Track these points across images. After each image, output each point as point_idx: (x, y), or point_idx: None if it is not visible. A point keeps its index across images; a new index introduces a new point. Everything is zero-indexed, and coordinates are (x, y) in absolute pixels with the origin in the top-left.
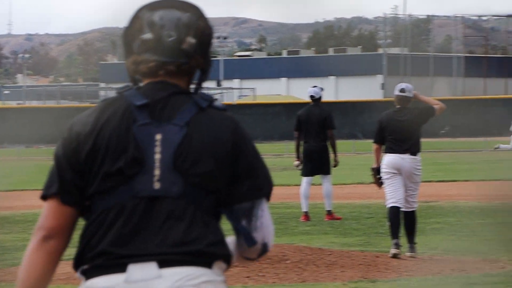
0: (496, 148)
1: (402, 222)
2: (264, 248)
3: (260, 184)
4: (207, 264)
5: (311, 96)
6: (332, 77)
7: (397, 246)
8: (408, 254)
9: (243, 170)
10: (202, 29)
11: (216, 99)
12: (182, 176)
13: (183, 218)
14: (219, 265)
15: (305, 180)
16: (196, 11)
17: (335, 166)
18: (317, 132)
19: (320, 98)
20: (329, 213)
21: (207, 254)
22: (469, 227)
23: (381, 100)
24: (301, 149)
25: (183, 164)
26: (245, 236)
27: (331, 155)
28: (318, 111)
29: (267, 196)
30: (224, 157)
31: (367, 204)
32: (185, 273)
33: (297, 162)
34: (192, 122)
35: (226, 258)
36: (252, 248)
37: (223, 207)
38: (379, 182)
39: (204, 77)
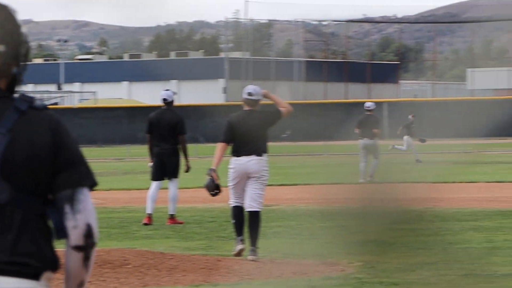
0: (390, 148)
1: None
2: (89, 229)
3: (80, 174)
4: (35, 276)
5: (164, 99)
6: (174, 81)
7: (242, 241)
8: (250, 258)
9: (65, 164)
10: (11, 32)
11: (36, 99)
12: (9, 183)
13: (12, 226)
14: (47, 276)
15: (154, 184)
16: (4, 13)
17: (186, 171)
18: (168, 136)
19: (172, 101)
20: (172, 217)
21: (35, 266)
22: (310, 231)
23: (223, 104)
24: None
25: (9, 171)
26: (58, 229)
27: (182, 160)
28: (170, 115)
29: (89, 186)
30: (47, 158)
31: (209, 208)
32: (11, 284)
33: (151, 164)
34: (14, 127)
35: (54, 268)
36: (75, 232)
37: (48, 203)
38: (214, 191)
39: (20, 77)
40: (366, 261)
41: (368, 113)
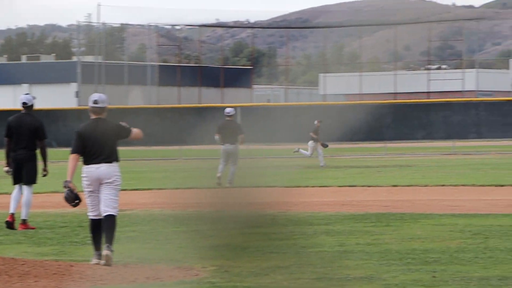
0: (295, 151)
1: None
2: None
3: None
4: None
5: (24, 103)
6: (25, 85)
7: (99, 257)
8: (105, 252)
9: None
10: None
11: None
12: None
13: None
14: None
15: (16, 187)
16: None
17: (44, 175)
18: (27, 141)
19: (32, 105)
20: (24, 222)
21: None
22: (163, 235)
23: (76, 108)
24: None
25: None
26: None
27: (40, 165)
28: (29, 119)
29: None
30: None
31: (62, 213)
32: None
33: (6, 168)
34: None
35: None
36: None
37: None
38: (74, 202)
39: None
40: (220, 266)
41: (228, 118)
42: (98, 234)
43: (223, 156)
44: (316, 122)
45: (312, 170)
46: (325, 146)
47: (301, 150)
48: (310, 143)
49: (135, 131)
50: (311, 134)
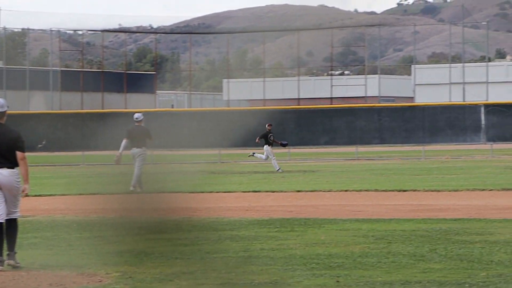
0: (250, 156)
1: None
2: None
3: None
4: None
5: None
6: None
7: (1, 263)
8: (7, 262)
9: None
10: None
11: None
12: None
13: None
14: None
15: None
16: None
17: None
18: None
19: None
20: None
21: None
22: (66, 241)
23: None
24: None
25: None
26: None
27: None
28: None
29: None
30: None
31: None
32: None
33: None
34: None
35: None
36: None
37: None
38: None
39: None
40: (124, 272)
41: (137, 123)
42: (1, 238)
43: (133, 160)
44: (267, 126)
45: (216, 176)
46: (284, 145)
47: (256, 154)
48: (266, 147)
49: (24, 154)
50: (257, 138)
